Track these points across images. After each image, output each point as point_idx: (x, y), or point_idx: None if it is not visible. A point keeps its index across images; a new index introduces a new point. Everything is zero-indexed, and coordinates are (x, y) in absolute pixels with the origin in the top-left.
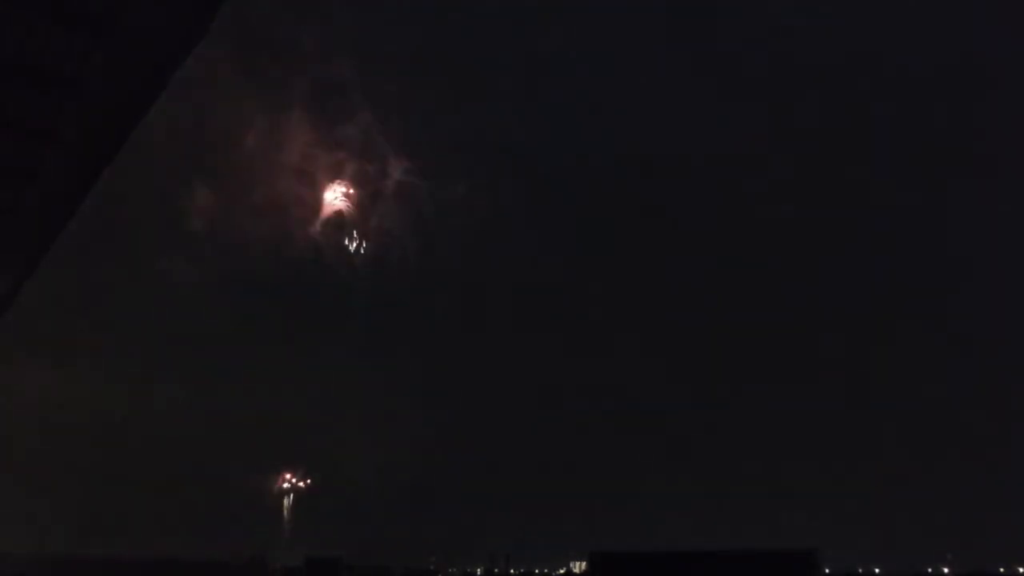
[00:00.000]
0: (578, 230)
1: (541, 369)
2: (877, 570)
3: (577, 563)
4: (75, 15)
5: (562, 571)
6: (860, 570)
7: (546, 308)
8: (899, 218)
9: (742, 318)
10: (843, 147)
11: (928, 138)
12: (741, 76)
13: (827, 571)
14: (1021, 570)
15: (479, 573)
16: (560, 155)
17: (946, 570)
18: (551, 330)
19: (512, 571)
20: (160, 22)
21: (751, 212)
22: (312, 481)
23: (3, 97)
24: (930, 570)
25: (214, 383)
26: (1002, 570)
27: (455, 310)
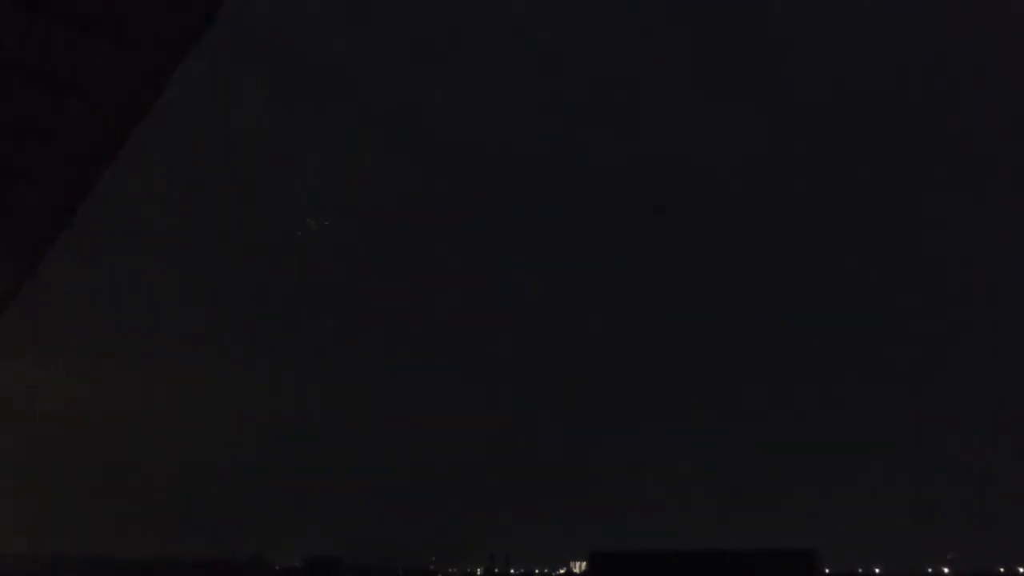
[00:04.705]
0: (592, 231)
1: (541, 370)
2: (877, 570)
3: (577, 563)
4: (75, 15)
5: (562, 571)
6: (860, 570)
7: (546, 309)
8: (897, 223)
9: (740, 319)
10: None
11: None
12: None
13: (827, 571)
14: (1021, 570)
15: (479, 573)
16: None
17: (946, 570)
18: (551, 332)
19: (512, 571)
20: (160, 22)
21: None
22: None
23: (3, 97)
24: (930, 570)
25: (211, 382)
26: (1002, 570)
27: (454, 308)
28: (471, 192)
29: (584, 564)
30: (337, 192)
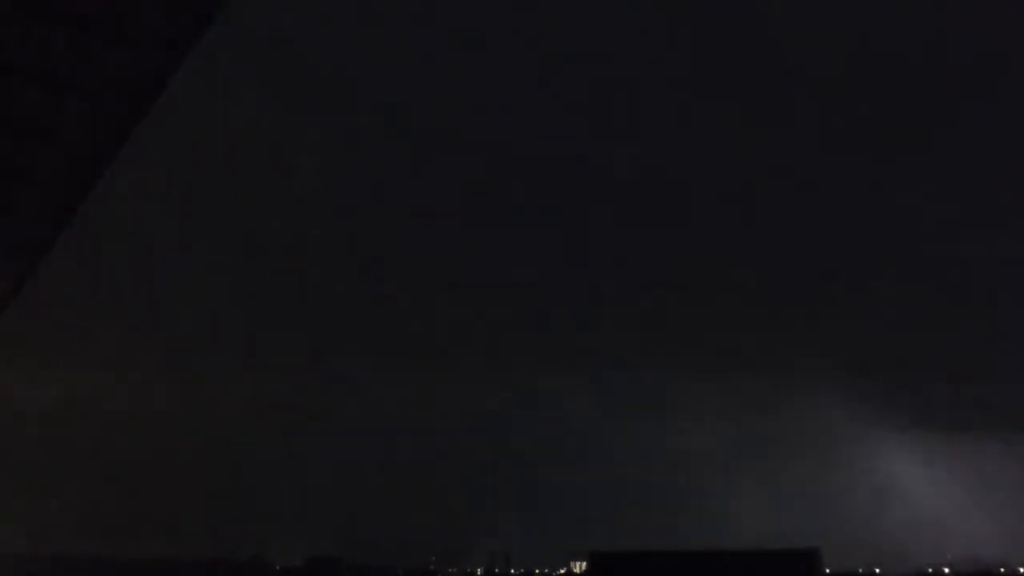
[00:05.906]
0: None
1: (541, 370)
2: (877, 570)
3: (577, 563)
4: (75, 15)
5: (562, 571)
6: (860, 570)
7: (546, 308)
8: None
9: (741, 318)
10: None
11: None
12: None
13: (827, 571)
14: (1021, 570)
15: (479, 573)
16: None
17: (946, 570)
18: (551, 331)
19: (512, 571)
20: (160, 22)
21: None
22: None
23: (3, 97)
24: (930, 570)
25: (212, 383)
26: (1002, 570)
27: (454, 308)
28: (471, 192)
29: (584, 564)
30: (337, 192)
